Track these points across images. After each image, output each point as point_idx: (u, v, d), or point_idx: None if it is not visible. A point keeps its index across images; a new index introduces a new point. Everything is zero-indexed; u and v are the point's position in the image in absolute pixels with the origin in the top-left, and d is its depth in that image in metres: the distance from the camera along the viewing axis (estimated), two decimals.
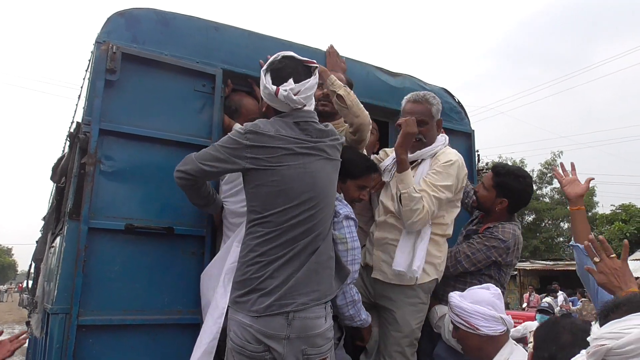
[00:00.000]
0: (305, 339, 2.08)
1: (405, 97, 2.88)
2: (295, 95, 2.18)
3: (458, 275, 2.91)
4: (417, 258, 2.57)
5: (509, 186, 2.92)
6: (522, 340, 8.54)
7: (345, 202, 2.50)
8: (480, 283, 2.81)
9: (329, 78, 2.64)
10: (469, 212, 3.31)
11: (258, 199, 2.16)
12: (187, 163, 2.22)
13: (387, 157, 2.92)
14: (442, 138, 2.82)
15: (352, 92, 2.65)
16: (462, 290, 2.48)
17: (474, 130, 3.82)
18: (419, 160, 2.76)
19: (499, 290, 2.30)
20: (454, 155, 2.74)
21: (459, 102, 3.82)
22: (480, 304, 2.23)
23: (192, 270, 2.56)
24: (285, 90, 2.17)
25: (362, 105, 2.66)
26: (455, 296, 2.34)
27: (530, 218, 30.36)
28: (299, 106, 2.23)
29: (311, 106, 2.31)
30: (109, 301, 2.37)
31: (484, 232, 2.93)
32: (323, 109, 2.80)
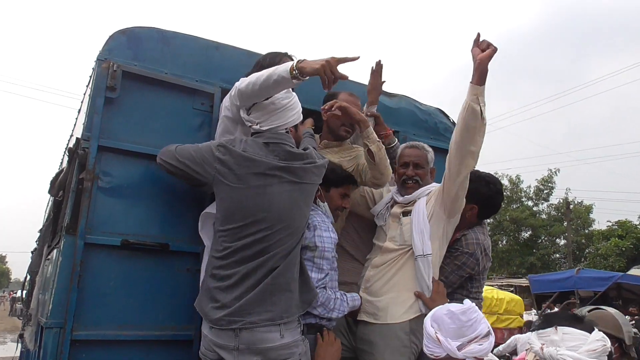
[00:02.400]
0: (257, 352, 2.09)
1: (401, 145, 2.98)
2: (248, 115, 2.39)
3: None
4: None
5: (478, 192, 2.89)
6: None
7: (322, 213, 2.56)
8: (452, 295, 2.79)
9: (367, 130, 2.70)
10: None
11: (220, 211, 2.27)
12: (165, 152, 2.39)
13: (381, 199, 2.99)
14: (434, 184, 2.87)
15: (382, 148, 2.73)
16: None
17: None
18: (414, 200, 2.79)
19: (462, 309, 2.00)
20: None
21: (453, 122, 3.85)
22: (430, 317, 2.01)
23: (187, 287, 2.58)
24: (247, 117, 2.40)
25: (388, 162, 2.76)
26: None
27: (526, 234, 30.38)
28: (249, 124, 2.39)
29: (278, 127, 2.40)
30: (103, 316, 2.39)
31: (452, 246, 2.89)
32: (345, 134, 2.96)
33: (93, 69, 2.68)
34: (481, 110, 2.44)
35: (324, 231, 2.46)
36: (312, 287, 2.32)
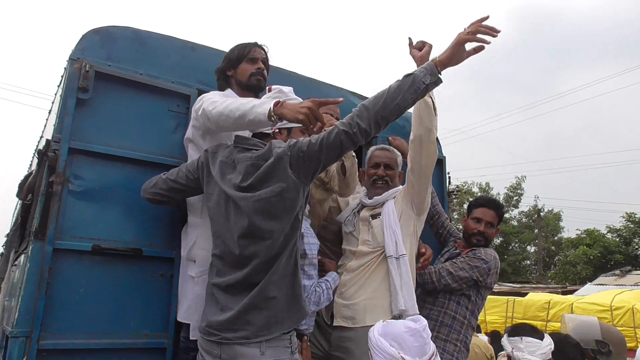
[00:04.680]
0: None
1: (372, 147, 3.03)
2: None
3: (435, 295, 2.95)
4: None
5: (503, 217, 3.30)
6: None
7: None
8: (458, 303, 2.91)
9: None
10: (442, 243, 3.35)
11: None
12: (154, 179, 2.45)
13: (346, 206, 3.03)
14: (401, 186, 2.93)
15: (355, 163, 2.77)
16: (433, 310, 2.92)
17: (445, 157, 3.89)
18: (382, 202, 2.83)
19: (423, 325, 1.93)
20: None
21: None
22: (385, 337, 1.89)
23: (161, 293, 2.51)
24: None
25: (356, 176, 2.84)
26: (377, 324, 2.02)
27: (497, 241, 30.89)
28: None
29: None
30: (72, 324, 2.30)
31: (467, 253, 3.02)
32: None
33: (65, 69, 2.60)
34: (433, 102, 2.60)
35: (310, 237, 2.45)
36: (303, 307, 2.14)
